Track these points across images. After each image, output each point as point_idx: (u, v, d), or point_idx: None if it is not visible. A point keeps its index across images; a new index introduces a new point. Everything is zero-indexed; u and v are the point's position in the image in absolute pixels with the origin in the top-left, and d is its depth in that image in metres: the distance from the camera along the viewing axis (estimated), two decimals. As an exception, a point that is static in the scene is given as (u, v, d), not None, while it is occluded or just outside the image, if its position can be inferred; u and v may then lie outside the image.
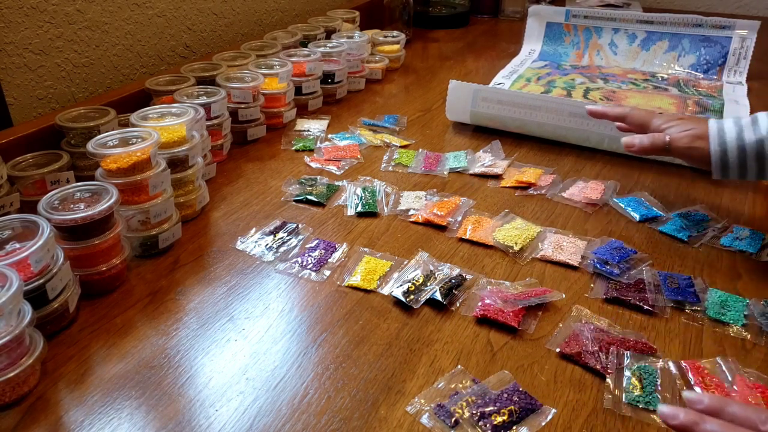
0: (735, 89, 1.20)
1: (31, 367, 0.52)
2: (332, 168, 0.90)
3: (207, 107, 0.85)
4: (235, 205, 0.82)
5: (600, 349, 0.56)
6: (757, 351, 0.58)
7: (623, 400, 0.52)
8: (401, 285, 0.65)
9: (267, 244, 0.73)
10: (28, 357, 0.52)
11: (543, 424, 0.50)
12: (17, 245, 0.57)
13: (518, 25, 1.68)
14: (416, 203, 0.81)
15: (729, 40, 1.25)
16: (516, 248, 0.71)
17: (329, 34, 1.27)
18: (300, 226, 0.76)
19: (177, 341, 0.58)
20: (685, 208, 0.80)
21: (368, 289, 0.65)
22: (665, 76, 1.26)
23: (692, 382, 0.53)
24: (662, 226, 0.76)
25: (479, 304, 0.62)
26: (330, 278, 0.67)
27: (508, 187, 0.86)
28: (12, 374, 0.50)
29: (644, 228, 0.77)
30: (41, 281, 0.55)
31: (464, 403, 0.50)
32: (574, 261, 0.69)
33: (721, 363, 0.55)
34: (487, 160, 0.92)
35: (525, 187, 0.86)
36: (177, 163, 0.74)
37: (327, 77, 1.14)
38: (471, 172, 0.90)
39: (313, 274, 0.68)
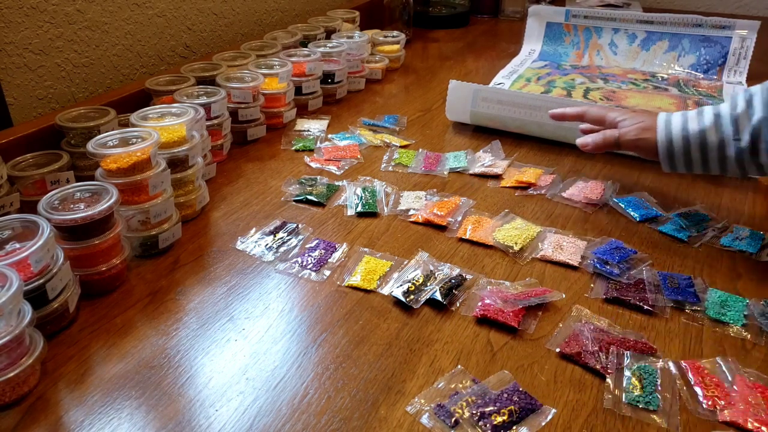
0: (735, 89, 1.20)
1: (31, 367, 0.52)
2: (332, 168, 0.90)
3: (207, 107, 0.85)
4: (235, 205, 0.82)
5: (600, 349, 0.56)
6: (757, 351, 0.58)
7: (623, 400, 0.52)
8: (401, 285, 0.65)
9: (267, 244, 0.73)
10: (28, 357, 0.52)
11: (543, 424, 0.50)
12: (17, 245, 0.57)
13: (518, 25, 1.68)
14: (416, 203, 0.81)
15: (729, 40, 1.25)
16: (516, 248, 0.71)
17: (329, 34, 1.27)
18: (300, 226, 0.76)
19: (177, 341, 0.58)
20: (685, 208, 0.80)
21: (368, 289, 0.65)
22: (665, 76, 1.26)
23: (692, 382, 0.53)
24: (662, 226, 0.76)
25: (479, 304, 0.62)
26: (330, 278, 0.67)
27: (508, 187, 0.86)
28: (12, 374, 0.50)
29: (644, 228, 0.77)
30: (41, 281, 0.55)
31: (464, 403, 0.50)
32: (574, 261, 0.69)
33: (721, 363, 0.55)
34: (487, 160, 0.92)
35: (525, 187, 0.86)
36: (177, 163, 0.74)
37: (327, 77, 1.14)
38: (471, 172, 0.90)
39: (313, 274, 0.68)
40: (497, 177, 0.88)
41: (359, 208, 0.79)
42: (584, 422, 0.50)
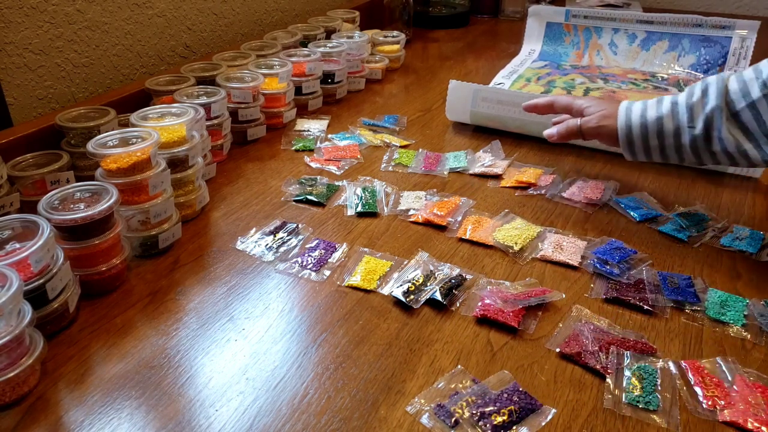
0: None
1: (31, 367, 0.52)
2: (332, 168, 0.90)
3: (207, 107, 0.85)
4: (235, 205, 0.82)
5: (600, 349, 0.56)
6: (757, 351, 0.58)
7: (623, 400, 0.52)
8: (401, 285, 0.65)
9: (267, 244, 0.73)
10: (28, 357, 0.52)
11: (543, 424, 0.50)
12: (17, 245, 0.57)
13: (518, 25, 1.68)
14: (416, 203, 0.81)
15: (729, 40, 1.25)
16: (516, 248, 0.71)
17: (329, 34, 1.27)
18: (300, 226, 0.76)
19: (177, 341, 0.58)
20: (685, 208, 0.80)
21: (368, 289, 0.65)
22: (665, 76, 1.26)
23: (692, 382, 0.53)
24: (662, 226, 0.76)
25: (479, 304, 0.62)
26: (330, 278, 0.67)
27: (508, 187, 0.86)
28: (12, 374, 0.50)
29: (644, 228, 0.77)
30: (41, 281, 0.55)
31: (464, 403, 0.50)
32: (574, 261, 0.69)
33: (721, 363, 0.55)
34: (487, 160, 0.92)
35: (525, 187, 0.86)
36: (177, 163, 0.74)
37: (327, 77, 1.14)
38: (471, 172, 0.90)
39: (313, 274, 0.68)
40: (497, 177, 0.88)
41: (359, 208, 0.79)
42: (584, 422, 0.50)
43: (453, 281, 0.65)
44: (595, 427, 0.50)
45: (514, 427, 0.49)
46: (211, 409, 0.51)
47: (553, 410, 0.51)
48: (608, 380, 0.53)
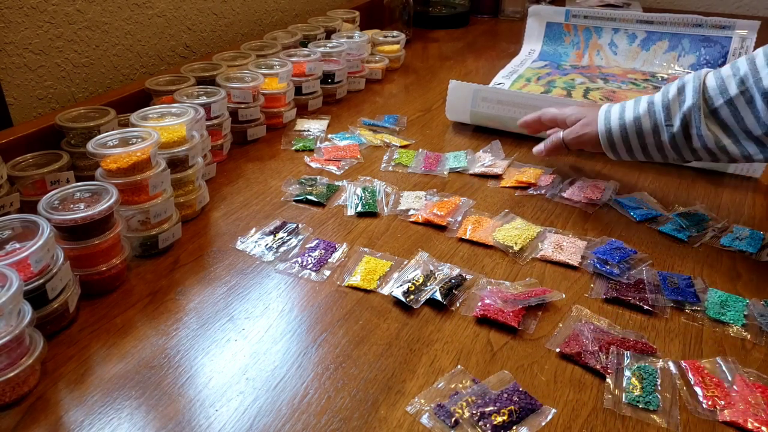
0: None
1: (31, 367, 0.52)
2: (332, 168, 0.90)
3: (207, 107, 0.85)
4: (235, 205, 0.82)
5: (600, 349, 0.56)
6: (757, 351, 0.58)
7: (623, 400, 0.52)
8: (401, 285, 0.65)
9: (267, 244, 0.73)
10: (28, 357, 0.52)
11: (543, 424, 0.50)
12: (17, 245, 0.57)
13: (518, 25, 1.68)
14: (416, 203, 0.81)
15: (729, 40, 1.25)
16: (516, 248, 0.71)
17: (329, 34, 1.27)
18: (300, 226, 0.76)
19: (177, 341, 0.58)
20: (685, 208, 0.80)
21: (368, 289, 0.65)
22: (665, 76, 1.26)
23: (692, 382, 0.53)
24: (662, 226, 0.76)
25: (479, 304, 0.62)
26: (330, 278, 0.67)
27: (508, 187, 0.86)
28: (12, 374, 0.50)
29: (644, 228, 0.77)
30: (41, 281, 0.55)
31: (464, 403, 0.50)
32: (574, 261, 0.69)
33: (721, 363, 0.55)
34: (487, 160, 0.92)
35: (525, 187, 0.86)
36: (177, 163, 0.74)
37: (327, 77, 1.14)
38: (471, 172, 0.90)
39: (313, 274, 0.68)
40: (497, 177, 0.88)
41: (359, 208, 0.79)
42: (584, 422, 0.50)
43: (453, 281, 0.65)
44: (595, 427, 0.50)
45: (514, 427, 0.49)
46: (211, 409, 0.51)
47: (553, 410, 0.51)
48: (608, 380, 0.53)
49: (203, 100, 0.86)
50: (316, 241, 0.73)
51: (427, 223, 0.77)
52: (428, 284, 0.65)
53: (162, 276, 0.68)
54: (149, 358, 0.56)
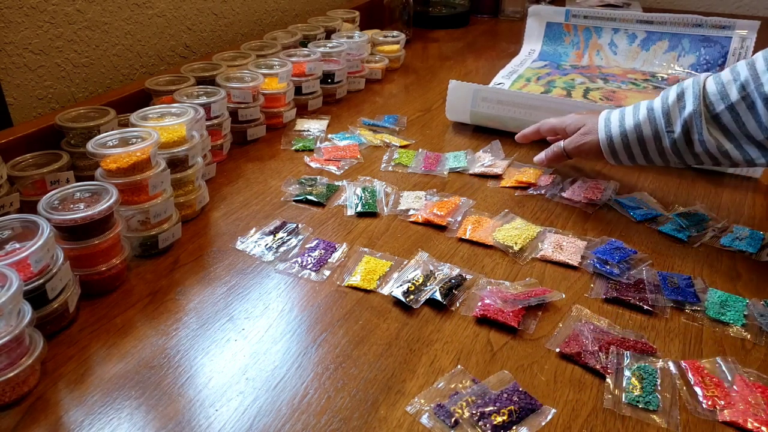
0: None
1: (31, 367, 0.52)
2: (332, 168, 0.90)
3: (207, 107, 0.85)
4: (235, 205, 0.82)
5: (600, 349, 0.56)
6: (757, 351, 0.58)
7: (623, 400, 0.52)
8: (401, 285, 0.65)
9: (267, 244, 0.73)
10: (28, 357, 0.52)
11: (543, 424, 0.50)
12: (17, 245, 0.57)
13: (518, 25, 1.68)
14: (416, 203, 0.81)
15: (729, 40, 1.25)
16: (516, 248, 0.71)
17: (329, 34, 1.27)
18: (300, 226, 0.76)
19: (177, 341, 0.58)
20: (685, 208, 0.80)
21: (368, 289, 0.65)
22: (665, 76, 1.26)
23: (692, 382, 0.53)
24: (662, 226, 0.76)
25: (479, 304, 0.62)
26: (330, 278, 0.67)
27: (508, 187, 0.86)
28: (12, 374, 0.50)
29: (644, 228, 0.77)
30: (41, 281, 0.55)
31: (464, 403, 0.50)
32: (574, 261, 0.69)
33: (721, 363, 0.55)
34: (487, 160, 0.92)
35: (525, 187, 0.86)
36: (177, 163, 0.74)
37: (327, 77, 1.14)
38: (471, 172, 0.90)
39: (313, 274, 0.68)
40: (497, 177, 0.88)
41: (359, 208, 0.79)
42: (584, 422, 0.50)
43: (453, 281, 0.65)
44: (595, 427, 0.50)
45: (514, 427, 0.49)
46: (211, 409, 0.51)
47: (553, 410, 0.51)
48: (608, 380, 0.53)
49: (203, 100, 0.86)
50: (316, 241, 0.73)
51: (427, 223, 0.77)
52: (428, 284, 0.65)
53: (162, 276, 0.68)
54: (149, 358, 0.56)
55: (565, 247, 0.71)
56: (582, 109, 0.90)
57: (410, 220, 0.78)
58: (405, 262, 0.69)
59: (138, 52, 1.03)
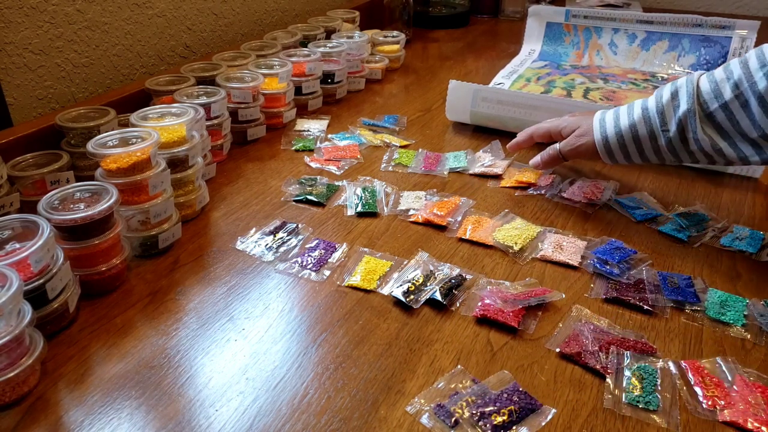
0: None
1: (31, 367, 0.52)
2: (332, 168, 0.90)
3: (207, 107, 0.85)
4: (235, 205, 0.82)
5: (600, 349, 0.56)
6: (757, 351, 0.58)
7: (623, 400, 0.52)
8: (401, 285, 0.65)
9: (267, 244, 0.73)
10: (28, 357, 0.52)
11: (543, 424, 0.50)
12: (17, 245, 0.57)
13: (518, 25, 1.68)
14: (416, 203, 0.81)
15: (729, 40, 1.25)
16: (516, 248, 0.71)
17: (329, 34, 1.27)
18: (300, 226, 0.76)
19: (177, 341, 0.58)
20: (685, 208, 0.80)
21: (368, 289, 0.65)
22: (665, 76, 1.26)
23: (692, 382, 0.53)
24: (662, 226, 0.76)
25: (479, 304, 0.62)
26: (330, 278, 0.67)
27: (508, 187, 0.86)
28: (12, 374, 0.50)
29: (644, 228, 0.77)
30: (41, 281, 0.55)
31: (464, 403, 0.50)
32: (574, 261, 0.69)
33: (721, 363, 0.55)
34: (487, 160, 0.92)
35: (525, 187, 0.86)
36: (177, 163, 0.74)
37: (327, 77, 1.14)
38: (471, 172, 0.90)
39: (313, 274, 0.68)
40: (497, 177, 0.88)
41: (359, 208, 0.79)
42: (584, 422, 0.50)
43: (453, 281, 0.65)
44: (595, 427, 0.50)
45: (514, 427, 0.49)
46: (211, 409, 0.51)
47: (553, 410, 0.51)
48: (608, 380, 0.53)
49: (203, 100, 0.86)
50: (316, 241, 0.73)
51: (427, 223, 0.77)
52: (428, 284, 0.65)
53: (162, 276, 0.68)
54: (149, 358, 0.56)
55: (565, 247, 0.71)
56: (582, 109, 0.90)
57: (410, 220, 0.78)
58: (405, 262, 0.69)
59: (138, 52, 1.03)
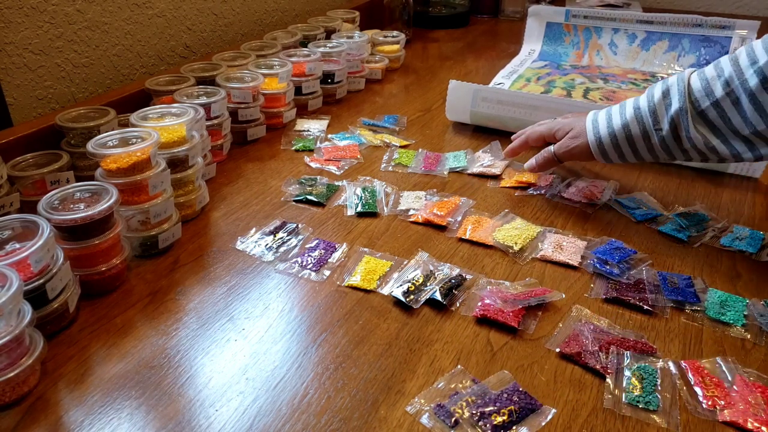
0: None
1: (31, 367, 0.52)
2: (332, 168, 0.90)
3: (207, 107, 0.85)
4: (235, 205, 0.82)
5: (600, 349, 0.56)
6: (757, 351, 0.58)
7: (623, 400, 0.52)
8: (401, 285, 0.65)
9: (267, 244, 0.73)
10: (28, 357, 0.52)
11: (543, 424, 0.50)
12: (17, 245, 0.57)
13: (518, 25, 1.68)
14: (416, 203, 0.81)
15: (729, 40, 1.25)
16: (516, 248, 0.71)
17: (329, 34, 1.27)
18: (300, 226, 0.76)
19: (177, 341, 0.58)
20: (685, 208, 0.80)
21: (368, 289, 0.65)
22: (665, 76, 1.26)
23: (692, 382, 0.53)
24: (662, 226, 0.76)
25: (479, 304, 0.62)
26: (330, 278, 0.67)
27: (508, 187, 0.86)
28: (12, 374, 0.50)
29: (644, 228, 0.77)
30: (41, 281, 0.55)
31: (464, 403, 0.50)
32: (574, 261, 0.69)
33: (721, 363, 0.55)
34: (486, 160, 0.92)
35: (525, 187, 0.86)
36: (177, 163, 0.74)
37: (327, 77, 1.15)
38: (471, 172, 0.90)
39: (313, 274, 0.68)
40: (497, 177, 0.88)
41: (359, 208, 0.79)
42: (584, 422, 0.50)
43: (453, 281, 0.65)
44: (595, 427, 0.50)
45: (514, 427, 0.49)
46: (211, 409, 0.51)
47: (553, 410, 0.51)
48: (608, 380, 0.53)
49: (203, 100, 0.86)
50: (316, 241, 0.73)
51: (427, 223, 0.77)
52: (428, 284, 0.65)
53: (162, 276, 0.68)
54: (149, 358, 0.56)
55: (565, 247, 0.71)
56: (582, 109, 0.90)
57: (410, 220, 0.78)
58: (405, 262, 0.69)
59: (138, 52, 1.03)
